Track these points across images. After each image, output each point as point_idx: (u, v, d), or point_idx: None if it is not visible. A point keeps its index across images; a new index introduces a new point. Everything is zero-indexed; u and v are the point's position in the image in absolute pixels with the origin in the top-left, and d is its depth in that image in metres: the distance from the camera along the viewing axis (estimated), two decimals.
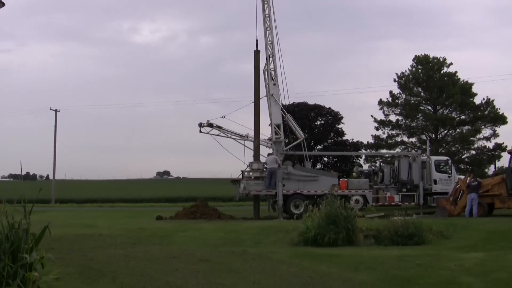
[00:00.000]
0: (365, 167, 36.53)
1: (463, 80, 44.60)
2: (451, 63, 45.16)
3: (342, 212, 14.55)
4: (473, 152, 45.13)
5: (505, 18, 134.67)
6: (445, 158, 29.64)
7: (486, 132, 44.19)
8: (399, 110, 46.09)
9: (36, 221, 7.12)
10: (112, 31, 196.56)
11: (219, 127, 28.46)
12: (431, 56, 45.71)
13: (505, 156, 33.96)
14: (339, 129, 46.17)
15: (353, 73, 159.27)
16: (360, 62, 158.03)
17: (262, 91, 27.17)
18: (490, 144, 44.28)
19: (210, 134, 28.50)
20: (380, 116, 46.73)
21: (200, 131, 28.42)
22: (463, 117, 44.62)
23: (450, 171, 27.47)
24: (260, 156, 27.07)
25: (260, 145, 27.07)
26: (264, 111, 27.25)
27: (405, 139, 46.43)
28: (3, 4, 11.41)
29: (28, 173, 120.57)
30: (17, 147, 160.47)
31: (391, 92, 46.58)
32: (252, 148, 27.27)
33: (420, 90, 45.83)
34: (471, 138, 43.73)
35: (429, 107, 45.90)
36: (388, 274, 9.20)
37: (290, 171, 25.94)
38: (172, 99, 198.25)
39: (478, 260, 10.94)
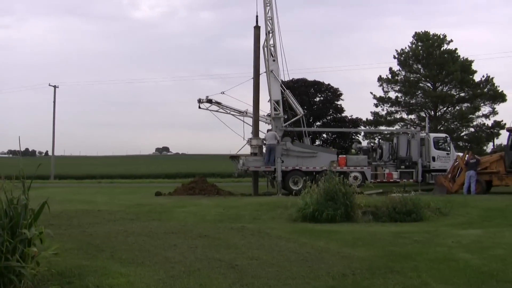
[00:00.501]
0: (364, 143, 36.63)
1: (463, 58, 44.43)
2: (451, 40, 45.05)
3: (341, 188, 14.60)
4: (472, 129, 45.27)
5: None
6: (443, 135, 29.64)
7: (485, 109, 44.26)
8: (399, 87, 45.92)
9: (35, 197, 7.10)
10: (112, 6, 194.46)
11: (218, 103, 28.42)
12: (431, 33, 45.45)
13: (504, 133, 34.10)
14: (338, 106, 46.23)
15: (353, 49, 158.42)
16: (361, 38, 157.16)
17: (262, 67, 27.03)
18: (489, 122, 44.52)
19: (209, 110, 28.54)
20: (379, 93, 46.72)
21: (199, 107, 28.48)
22: (462, 94, 44.53)
23: (448, 148, 27.53)
24: (259, 132, 27.11)
25: (259, 121, 27.03)
26: (263, 87, 27.17)
27: (404, 116, 46.48)
28: None
29: (27, 149, 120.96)
30: (16, 123, 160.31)
31: (390, 69, 46.52)
32: (251, 124, 27.25)
33: (420, 67, 45.62)
34: (470, 116, 43.68)
35: (429, 84, 45.71)
36: (385, 250, 9.25)
37: (289, 147, 25.97)
38: (171, 75, 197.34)
39: (475, 237, 11.01)
